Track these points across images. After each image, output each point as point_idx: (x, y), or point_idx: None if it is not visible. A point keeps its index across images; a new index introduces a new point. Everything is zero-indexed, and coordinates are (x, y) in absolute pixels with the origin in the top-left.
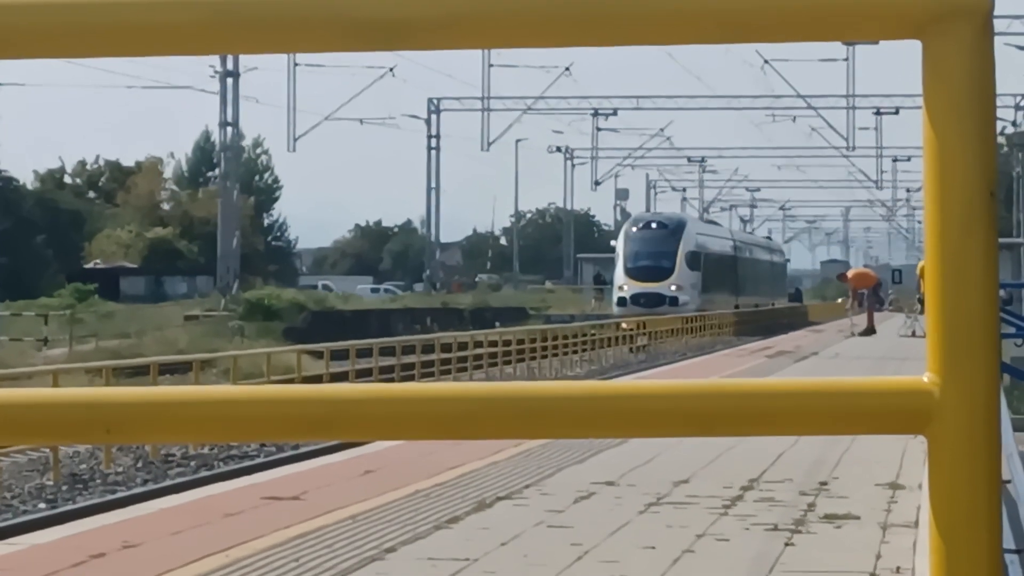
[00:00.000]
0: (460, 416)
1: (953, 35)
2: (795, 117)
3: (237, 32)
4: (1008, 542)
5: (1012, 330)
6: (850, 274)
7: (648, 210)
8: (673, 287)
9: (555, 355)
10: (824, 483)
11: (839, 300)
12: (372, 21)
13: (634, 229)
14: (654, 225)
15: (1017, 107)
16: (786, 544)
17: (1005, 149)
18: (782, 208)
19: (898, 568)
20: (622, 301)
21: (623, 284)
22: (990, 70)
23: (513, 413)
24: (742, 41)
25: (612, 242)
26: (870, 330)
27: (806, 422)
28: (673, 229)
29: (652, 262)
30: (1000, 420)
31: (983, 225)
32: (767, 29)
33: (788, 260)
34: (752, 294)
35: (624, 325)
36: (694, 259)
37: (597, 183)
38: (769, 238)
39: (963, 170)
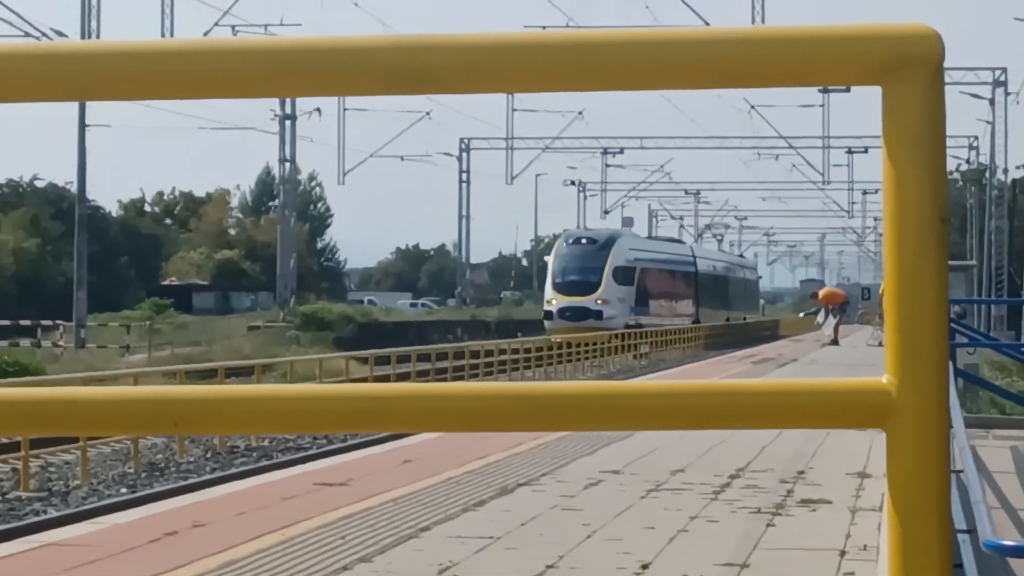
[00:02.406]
0: (485, 411)
1: (908, 82)
2: (777, 155)
3: (292, 77)
4: (960, 523)
5: (965, 340)
6: (821, 293)
7: (651, 235)
8: (599, 301)
9: (568, 361)
10: (801, 472)
11: (800, 315)
12: (408, 68)
13: (564, 245)
14: (584, 241)
15: (970, 147)
16: (768, 525)
17: (960, 183)
18: (766, 234)
19: (865, 546)
20: (549, 315)
21: (551, 298)
22: (941, 113)
23: (531, 409)
24: (728, 87)
25: (545, 257)
26: (834, 341)
27: (782, 417)
28: (602, 245)
29: (579, 276)
30: (950, 417)
31: (935, 249)
32: (749, 77)
33: (760, 277)
34: (718, 308)
35: (555, 339)
36: (625, 274)
37: (606, 212)
38: (742, 256)
39: (917, 201)
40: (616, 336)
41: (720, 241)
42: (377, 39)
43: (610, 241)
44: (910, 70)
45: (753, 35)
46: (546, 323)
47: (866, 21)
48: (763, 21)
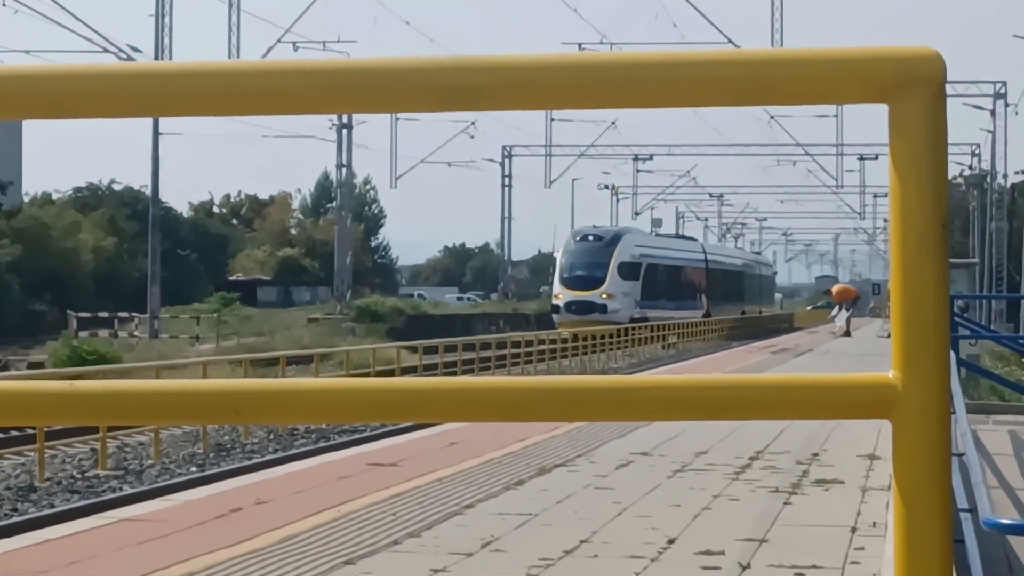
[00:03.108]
0: (520, 403)
1: (912, 99)
2: (795, 162)
3: (349, 95)
4: (962, 503)
5: (968, 332)
6: (834, 289)
7: (677, 234)
8: (604, 295)
9: (602, 351)
10: (816, 455)
11: (808, 308)
12: (454, 87)
13: (572, 241)
14: (591, 238)
15: (973, 154)
16: (785, 503)
17: (963, 188)
18: (784, 234)
19: (874, 523)
20: (556, 309)
21: (559, 292)
22: (943, 128)
23: (563, 401)
24: (749, 104)
25: (554, 254)
26: (847, 333)
27: (795, 409)
28: (608, 241)
29: (585, 272)
30: (952, 406)
31: (936, 252)
32: (768, 95)
33: (776, 273)
34: (730, 302)
35: (563, 333)
36: (630, 269)
37: (637, 214)
38: (759, 253)
39: (920, 209)
40: (645, 328)
41: (737, 240)
42: (426, 60)
43: (616, 238)
44: (914, 89)
45: (772, 57)
46: (554, 316)
47: (877, 37)
48: (782, 36)
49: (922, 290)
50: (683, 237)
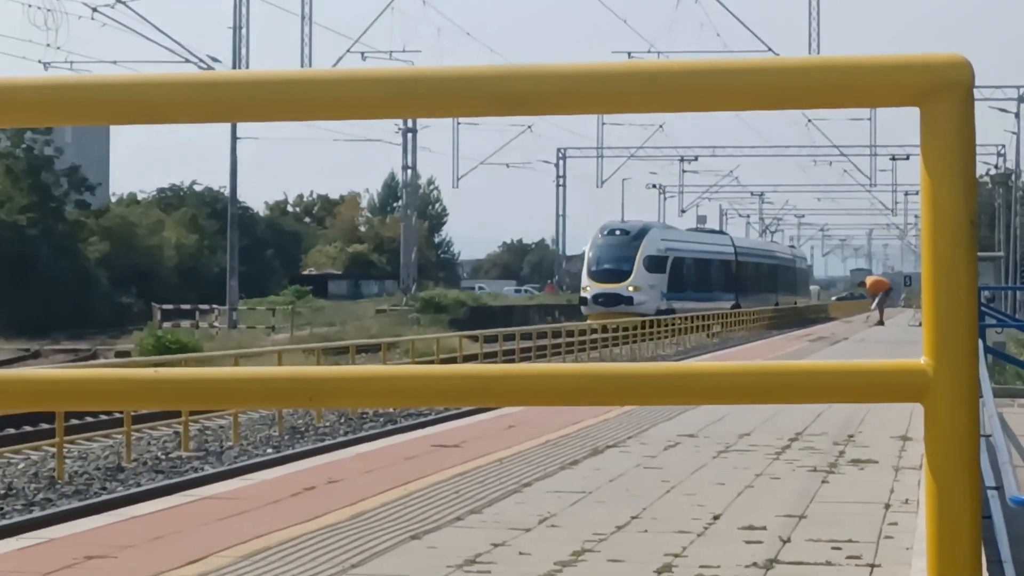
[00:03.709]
0: (576, 388)
1: (943, 103)
2: (831, 162)
3: (413, 101)
4: (989, 481)
5: (994, 321)
6: (868, 281)
7: (707, 229)
8: (630, 288)
9: (651, 339)
10: (851, 436)
11: (833, 298)
12: (509, 93)
13: (600, 236)
14: (618, 232)
15: (999, 154)
16: (823, 482)
17: (989, 186)
18: (821, 230)
19: (907, 500)
20: (584, 301)
21: (587, 285)
22: (971, 129)
23: (617, 386)
24: (789, 108)
25: (583, 248)
26: (880, 322)
27: (835, 393)
28: (635, 236)
29: (613, 265)
30: (980, 390)
31: (965, 247)
32: (807, 100)
33: (810, 265)
34: (761, 293)
35: (591, 323)
36: (656, 263)
37: (683, 212)
38: (793, 246)
39: (951, 206)
40: (690, 319)
41: (773, 235)
42: (485, 68)
43: (642, 232)
44: (945, 93)
45: (810, 64)
46: (582, 308)
47: (906, 42)
48: (819, 43)
49: (952, 282)
50: (713, 231)
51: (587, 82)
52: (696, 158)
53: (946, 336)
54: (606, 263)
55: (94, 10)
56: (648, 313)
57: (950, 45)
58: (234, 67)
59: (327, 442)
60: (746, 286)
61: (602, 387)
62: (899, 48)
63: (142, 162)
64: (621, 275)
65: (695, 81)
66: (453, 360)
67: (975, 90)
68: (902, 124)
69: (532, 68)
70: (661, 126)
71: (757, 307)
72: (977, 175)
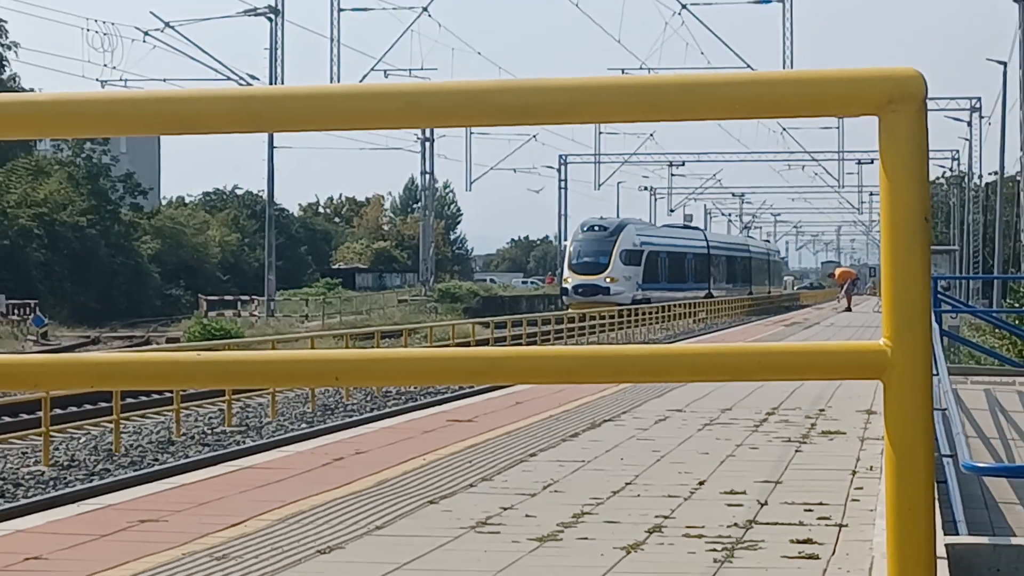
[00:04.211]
0: (576, 368)
1: (900, 113)
2: (803, 166)
3: (429, 113)
4: (945, 450)
5: (949, 308)
6: (837, 272)
7: (705, 228)
8: (608, 279)
9: (643, 324)
10: (822, 410)
11: (795, 288)
12: (513, 105)
13: (580, 232)
14: (596, 228)
15: (953, 158)
16: (796, 451)
17: (945, 187)
18: (795, 227)
19: (871, 467)
20: (565, 291)
21: (568, 277)
22: (925, 136)
23: (612, 366)
24: (762, 117)
25: (564, 242)
26: (848, 308)
27: (805, 371)
28: (612, 231)
29: (592, 258)
30: (936, 368)
31: (920, 241)
32: (779, 109)
33: (784, 258)
34: (734, 283)
35: (572, 312)
36: (631, 256)
37: (671, 211)
38: (768, 241)
39: (907, 204)
40: (678, 306)
41: (750, 231)
42: (489, 83)
43: (619, 228)
44: (901, 104)
45: (782, 78)
46: (563, 299)
47: (869, 55)
48: (792, 58)
49: (908, 272)
50: (687, 227)
51: (584, 95)
52: (683, 163)
53: (902, 320)
54: (585, 256)
55: (145, 33)
56: (624, 302)
57: (910, 59)
58: (271, 84)
59: (354, 418)
60: (718, 277)
61: (598, 367)
62: (859, 59)
63: (189, 169)
64: (599, 267)
65: (681, 94)
66: (467, 344)
67: (932, 101)
68: (867, 132)
69: (532, 82)
70: (652, 135)
71: (730, 296)
72: (934, 177)
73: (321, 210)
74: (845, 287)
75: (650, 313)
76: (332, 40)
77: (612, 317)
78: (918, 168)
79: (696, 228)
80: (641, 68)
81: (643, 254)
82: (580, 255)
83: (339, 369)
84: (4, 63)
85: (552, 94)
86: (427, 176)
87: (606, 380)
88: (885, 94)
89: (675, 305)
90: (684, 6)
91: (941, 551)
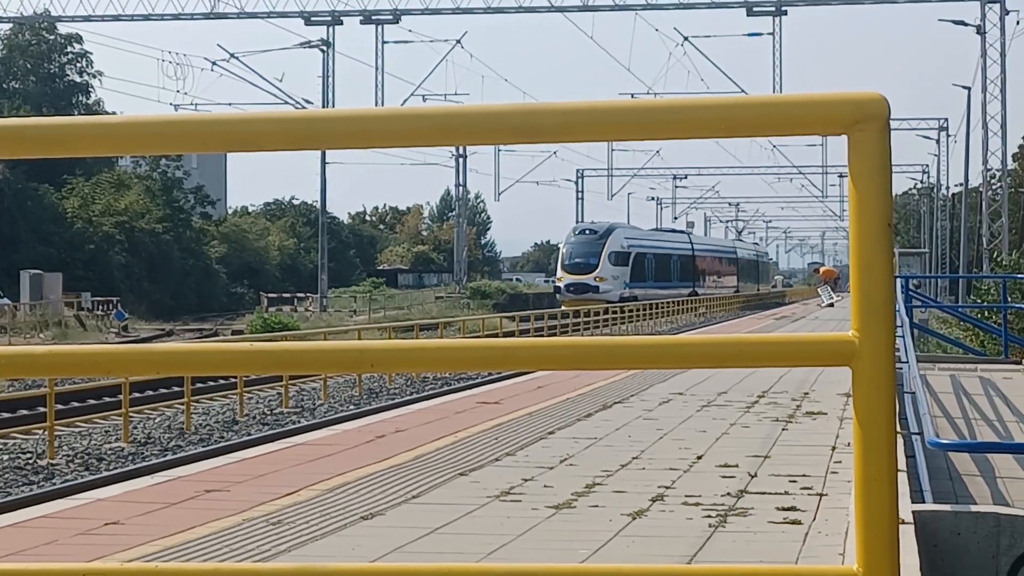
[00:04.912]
0: (590, 356)
1: (865, 132)
2: (792, 179)
3: (460, 132)
4: (914, 428)
5: (919, 303)
6: (821, 270)
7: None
8: (597, 279)
9: (650, 318)
10: (806, 393)
11: (773, 287)
12: (528, 125)
13: (572, 235)
14: (587, 232)
15: (923, 172)
16: (783, 430)
17: (916, 197)
18: (784, 232)
19: (848, 443)
20: (558, 289)
21: (560, 276)
22: (888, 152)
23: (621, 354)
24: (750, 136)
25: (558, 244)
26: (831, 304)
27: (785, 358)
28: (601, 235)
29: (582, 259)
30: (906, 356)
31: (884, 244)
32: (762, 129)
33: (772, 260)
34: (719, 282)
35: (564, 308)
36: (619, 257)
37: (675, 219)
38: (757, 244)
39: (871, 212)
40: (683, 302)
41: (741, 235)
42: (503, 106)
43: (608, 231)
44: (866, 123)
45: (767, 101)
46: (557, 296)
47: (852, 81)
48: (782, 83)
49: (874, 272)
50: (674, 231)
51: (583, 116)
52: (686, 176)
53: (869, 314)
54: (577, 257)
55: (213, 63)
56: (613, 300)
57: (888, 83)
58: (323, 108)
59: (396, 400)
60: (703, 276)
61: (599, 355)
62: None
63: (252, 181)
64: (589, 268)
65: (682, 115)
66: (495, 335)
67: (905, 121)
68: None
69: (543, 105)
70: (658, 151)
71: (716, 293)
72: (907, 189)
73: (368, 218)
74: (829, 284)
75: (638, 310)
76: (377, 69)
77: (619, 312)
78: (882, 180)
79: (682, 232)
80: (648, 92)
81: (630, 255)
82: (572, 256)
83: (374, 358)
84: (90, 89)
85: (555, 116)
86: (461, 188)
87: (606, 367)
88: (852, 115)
89: (674, 301)
90: (686, 38)
91: (908, 517)
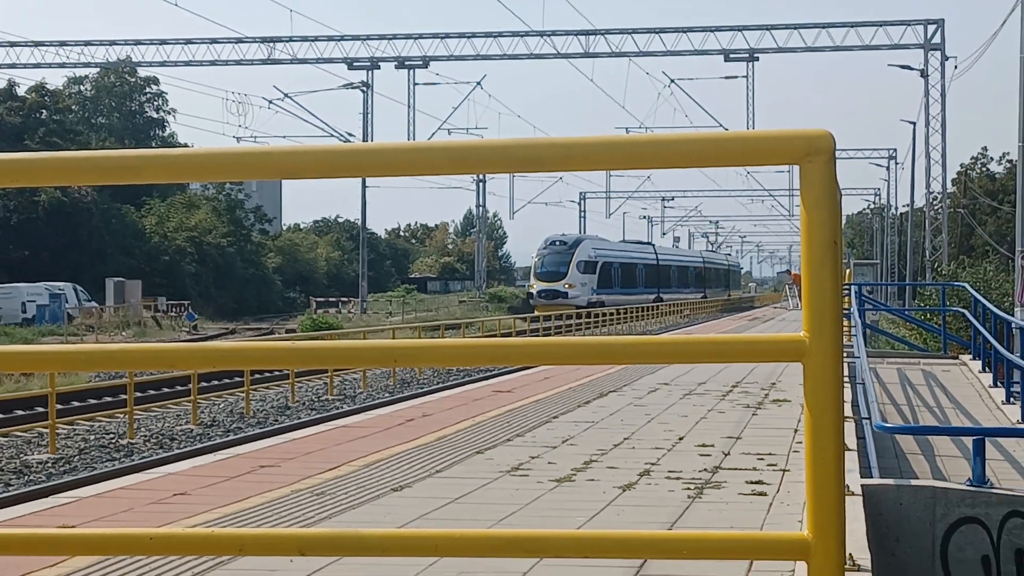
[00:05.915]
0: (588, 352)
1: (814, 163)
2: (763, 200)
3: (478, 162)
4: (864, 414)
5: (871, 306)
6: (793, 275)
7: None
8: (566, 285)
9: (640, 319)
10: (774, 384)
11: (742, 293)
12: (531, 158)
13: (544, 245)
14: (557, 243)
15: (875, 194)
16: (753, 415)
17: (869, 216)
18: (757, 246)
19: None
20: (531, 296)
21: (533, 284)
22: (833, 180)
23: (615, 351)
24: (721, 165)
25: (531, 255)
26: (797, 307)
27: (747, 355)
28: (571, 245)
29: (553, 268)
30: (857, 351)
31: (830, 258)
32: (729, 159)
33: (741, 268)
34: (689, 289)
35: (537, 313)
36: (587, 266)
37: (663, 234)
38: (729, 255)
39: (820, 231)
40: (667, 305)
41: (714, 247)
42: (517, 141)
43: (576, 243)
44: (815, 156)
45: (731, 136)
46: (530, 302)
47: (810, 115)
48: (754, 119)
49: (821, 281)
50: (640, 243)
51: (576, 150)
52: (673, 198)
53: (817, 318)
54: (548, 266)
55: (270, 101)
56: (581, 304)
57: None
58: (363, 140)
59: (424, 389)
60: (667, 283)
61: (606, 351)
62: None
63: (304, 202)
64: (559, 276)
65: (663, 149)
66: (510, 334)
67: (859, 151)
68: None
69: (543, 140)
70: (649, 176)
71: (681, 299)
72: (859, 209)
73: (401, 233)
74: (797, 289)
75: (648, 311)
76: (409, 107)
77: (616, 313)
78: (828, 204)
79: (648, 243)
80: (640, 127)
81: (597, 264)
82: (544, 265)
83: (398, 354)
84: (166, 124)
85: (556, 149)
86: (480, 208)
87: (600, 362)
88: (803, 149)
89: (642, 307)
90: (673, 80)
91: (857, 489)
